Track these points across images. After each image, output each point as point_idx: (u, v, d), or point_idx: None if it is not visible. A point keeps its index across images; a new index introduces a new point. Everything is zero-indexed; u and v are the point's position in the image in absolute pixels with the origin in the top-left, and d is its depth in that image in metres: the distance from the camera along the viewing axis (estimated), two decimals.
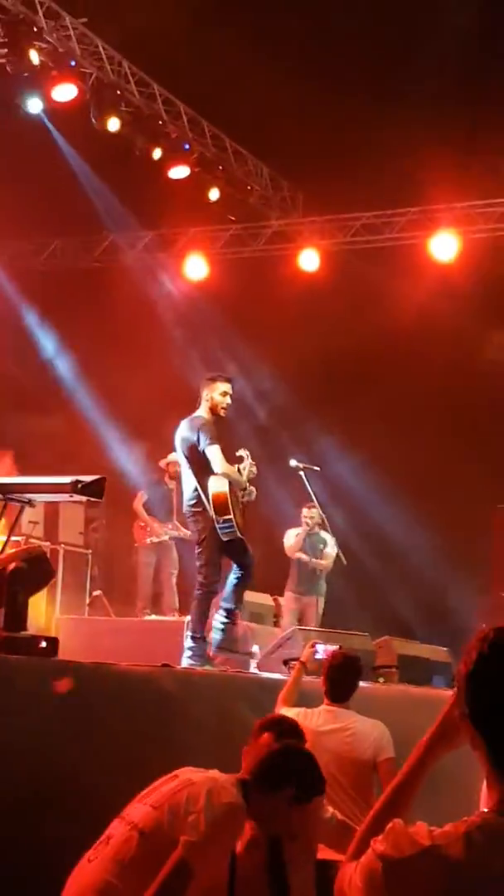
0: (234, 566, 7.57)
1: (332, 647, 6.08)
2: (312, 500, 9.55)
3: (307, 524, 10.64)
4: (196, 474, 7.41)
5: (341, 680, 5.25)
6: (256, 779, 3.39)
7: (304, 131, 11.57)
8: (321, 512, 9.90)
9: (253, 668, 7.96)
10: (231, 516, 7.29)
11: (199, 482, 7.39)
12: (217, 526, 7.31)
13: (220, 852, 3.22)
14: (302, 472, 9.12)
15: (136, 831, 3.23)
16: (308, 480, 9.13)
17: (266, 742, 3.59)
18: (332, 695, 5.23)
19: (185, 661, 7.29)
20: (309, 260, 13.01)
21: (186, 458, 7.50)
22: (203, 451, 7.35)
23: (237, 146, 12.66)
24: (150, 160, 11.63)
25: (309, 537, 10.71)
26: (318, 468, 9.60)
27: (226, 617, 7.52)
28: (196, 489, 7.42)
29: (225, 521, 7.29)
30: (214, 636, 7.51)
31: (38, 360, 13.21)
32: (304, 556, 10.60)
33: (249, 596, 9.00)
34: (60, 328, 13.04)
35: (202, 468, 7.38)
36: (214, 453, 7.34)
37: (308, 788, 3.45)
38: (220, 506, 7.29)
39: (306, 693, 5.56)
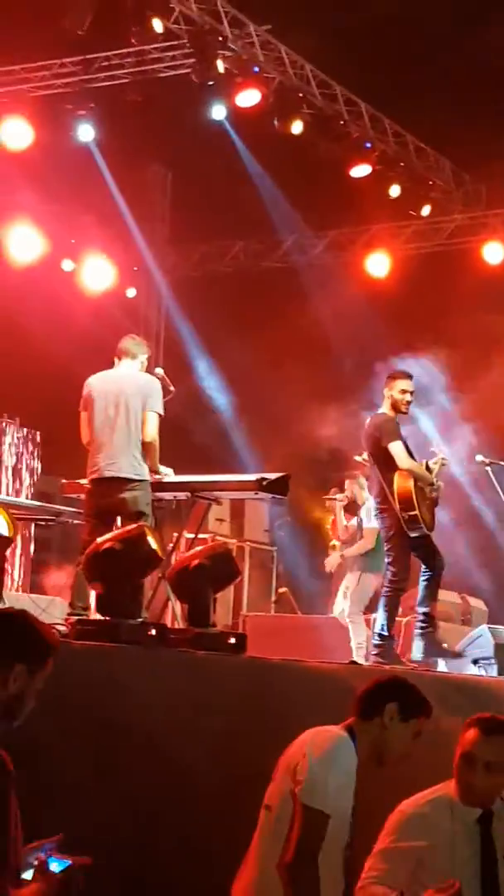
0: (423, 567, 7.42)
1: None
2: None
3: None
4: (381, 471, 7.41)
5: None
6: (361, 712, 3.46)
7: (486, 124, 11.22)
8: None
9: (442, 668, 7.71)
10: (417, 512, 7.23)
11: (384, 478, 7.38)
12: (403, 522, 7.25)
13: (341, 784, 3.23)
14: (489, 468, 8.82)
15: (264, 809, 3.37)
16: (495, 476, 8.80)
17: (471, 737, 3.51)
18: None
19: (372, 660, 7.17)
20: (494, 253, 12.71)
21: (372, 455, 7.50)
22: (386, 448, 7.30)
23: (418, 142, 12.42)
24: (332, 160, 11.53)
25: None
26: None
27: (423, 622, 7.37)
28: (382, 486, 7.40)
29: (410, 517, 7.24)
30: (417, 643, 7.36)
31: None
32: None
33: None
34: (243, 330, 13.08)
35: (386, 465, 7.36)
36: (397, 450, 7.31)
37: (413, 705, 3.45)
38: (405, 501, 7.26)
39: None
